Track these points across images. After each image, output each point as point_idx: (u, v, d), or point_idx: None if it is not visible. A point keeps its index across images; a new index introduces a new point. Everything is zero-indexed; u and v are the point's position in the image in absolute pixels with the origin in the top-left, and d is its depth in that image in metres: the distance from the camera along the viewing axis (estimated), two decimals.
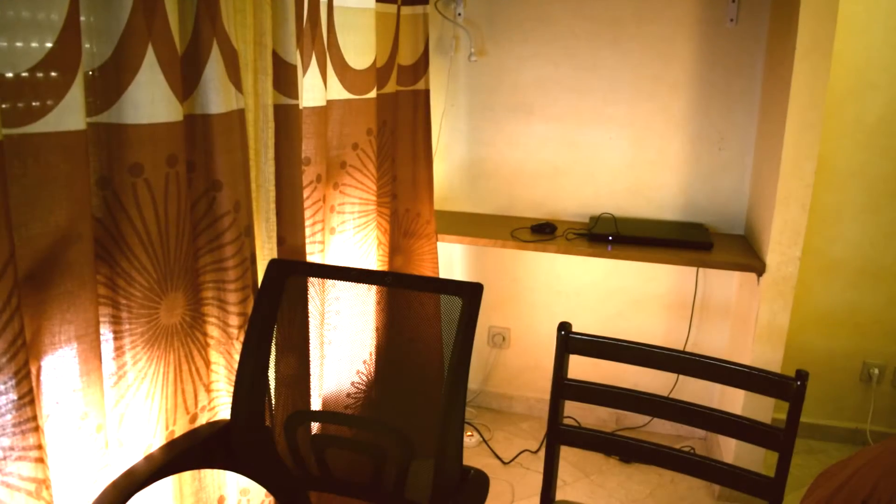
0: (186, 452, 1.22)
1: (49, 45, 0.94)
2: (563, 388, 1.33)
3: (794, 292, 1.99)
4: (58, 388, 1.04)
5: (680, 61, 2.25)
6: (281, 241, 1.50)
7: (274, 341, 1.34)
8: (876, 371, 2.43)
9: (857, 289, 2.39)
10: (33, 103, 0.94)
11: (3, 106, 0.92)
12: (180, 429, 1.30)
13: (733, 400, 2.17)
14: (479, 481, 1.21)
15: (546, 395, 2.63)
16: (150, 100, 1.11)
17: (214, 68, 1.21)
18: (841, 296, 2.41)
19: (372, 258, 1.90)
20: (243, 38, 1.33)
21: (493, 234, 2.20)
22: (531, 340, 2.60)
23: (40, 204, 0.97)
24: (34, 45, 0.93)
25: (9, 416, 0.91)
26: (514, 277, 2.56)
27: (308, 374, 1.47)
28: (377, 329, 1.50)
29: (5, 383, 0.90)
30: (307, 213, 1.58)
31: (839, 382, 2.48)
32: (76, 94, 0.98)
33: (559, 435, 1.34)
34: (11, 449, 0.92)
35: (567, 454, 2.39)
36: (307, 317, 1.42)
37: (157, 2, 1.09)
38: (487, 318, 2.61)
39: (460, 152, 2.50)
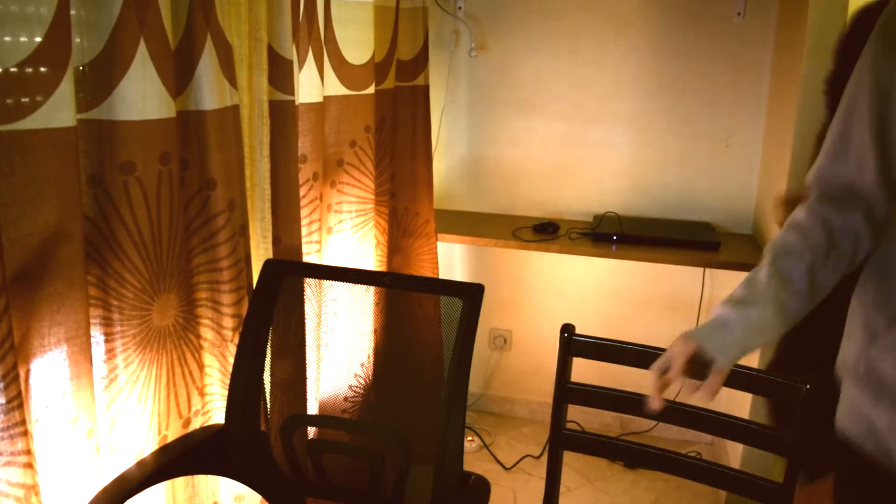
0: (179, 458, 1.21)
1: (38, 39, 0.92)
2: (566, 391, 1.31)
3: None
4: (47, 392, 1.02)
5: (685, 56, 2.22)
6: (276, 241, 1.48)
7: (269, 344, 1.33)
8: None
9: None
10: (22, 99, 0.93)
11: None
12: (173, 433, 1.28)
13: (741, 404, 2.14)
14: (480, 487, 1.20)
15: (548, 399, 2.59)
16: (141, 96, 1.10)
17: (208, 63, 1.19)
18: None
19: (370, 258, 1.88)
20: (238, 32, 1.31)
21: (495, 234, 2.18)
22: (533, 343, 2.58)
23: (29, 203, 0.96)
24: (23, 39, 0.92)
25: None
26: (516, 278, 2.53)
27: (304, 378, 1.45)
28: (375, 331, 1.49)
29: None
30: (303, 212, 1.57)
31: None
32: (66, 90, 0.96)
33: (562, 440, 1.32)
34: None
35: (570, 459, 2.36)
36: (303, 318, 1.41)
37: None
38: (488, 319, 2.59)
39: (460, 150, 2.47)
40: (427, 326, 1.31)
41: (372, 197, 1.84)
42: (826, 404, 1.10)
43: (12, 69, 0.90)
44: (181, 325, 1.26)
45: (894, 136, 0.85)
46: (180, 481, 1.32)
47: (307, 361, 1.46)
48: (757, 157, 2.25)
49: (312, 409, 1.54)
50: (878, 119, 0.86)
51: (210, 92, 1.21)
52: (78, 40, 1.03)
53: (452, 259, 2.58)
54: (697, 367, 0.92)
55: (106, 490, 1.08)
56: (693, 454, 1.28)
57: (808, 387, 1.14)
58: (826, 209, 0.93)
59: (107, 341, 1.14)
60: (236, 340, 1.33)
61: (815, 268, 0.91)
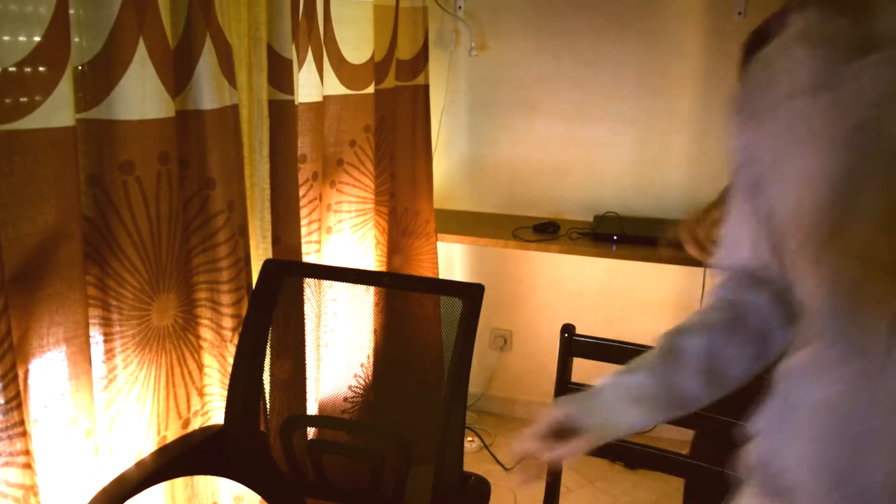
0: (179, 458, 1.20)
1: (37, 39, 0.92)
2: (567, 391, 1.30)
3: None
4: (46, 392, 1.02)
5: (686, 56, 2.22)
6: (276, 241, 1.48)
7: (269, 344, 1.32)
8: None
9: None
10: (21, 99, 0.92)
11: None
12: (172, 434, 1.28)
13: None
14: (480, 488, 1.20)
15: (549, 399, 2.58)
16: (141, 95, 1.09)
17: (207, 63, 1.19)
18: None
19: (370, 258, 1.87)
20: (237, 31, 1.31)
21: (495, 234, 2.18)
22: (534, 343, 2.57)
23: (28, 202, 0.96)
24: (21, 38, 0.92)
25: None
26: (516, 278, 2.53)
27: (304, 378, 1.45)
28: (375, 331, 1.48)
29: None
30: (303, 212, 1.56)
31: None
32: (65, 90, 0.96)
33: None
34: None
35: (570, 460, 2.36)
36: (303, 318, 1.40)
37: None
38: (489, 319, 2.59)
39: (460, 149, 2.47)
40: (427, 326, 1.31)
41: (372, 197, 1.83)
42: None
43: (11, 69, 0.90)
44: (180, 326, 1.26)
45: (771, 209, 0.72)
46: (180, 482, 1.31)
47: (307, 362, 1.46)
48: None
49: (312, 409, 1.53)
50: (753, 195, 0.76)
51: (209, 91, 1.20)
52: (77, 40, 1.03)
53: (452, 259, 2.57)
54: (568, 437, 0.82)
55: (105, 491, 1.08)
56: None
57: None
58: (730, 289, 0.84)
59: (106, 341, 1.13)
60: (236, 340, 1.33)
61: (714, 345, 0.80)
